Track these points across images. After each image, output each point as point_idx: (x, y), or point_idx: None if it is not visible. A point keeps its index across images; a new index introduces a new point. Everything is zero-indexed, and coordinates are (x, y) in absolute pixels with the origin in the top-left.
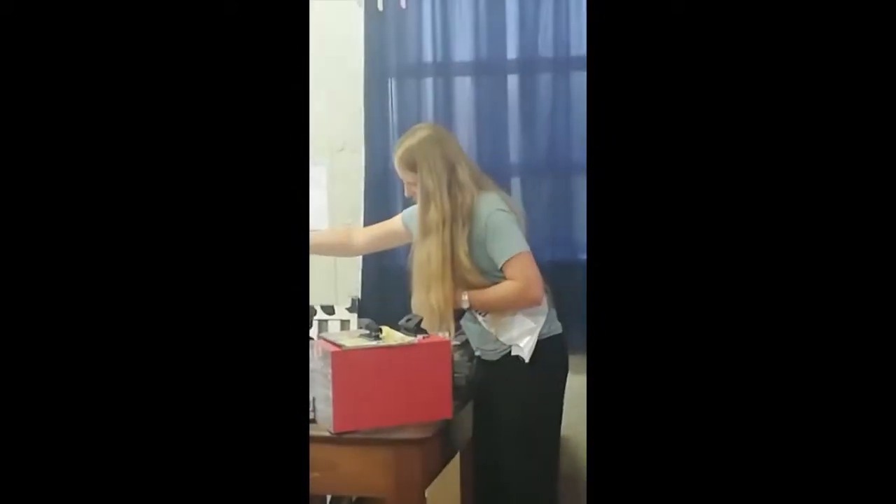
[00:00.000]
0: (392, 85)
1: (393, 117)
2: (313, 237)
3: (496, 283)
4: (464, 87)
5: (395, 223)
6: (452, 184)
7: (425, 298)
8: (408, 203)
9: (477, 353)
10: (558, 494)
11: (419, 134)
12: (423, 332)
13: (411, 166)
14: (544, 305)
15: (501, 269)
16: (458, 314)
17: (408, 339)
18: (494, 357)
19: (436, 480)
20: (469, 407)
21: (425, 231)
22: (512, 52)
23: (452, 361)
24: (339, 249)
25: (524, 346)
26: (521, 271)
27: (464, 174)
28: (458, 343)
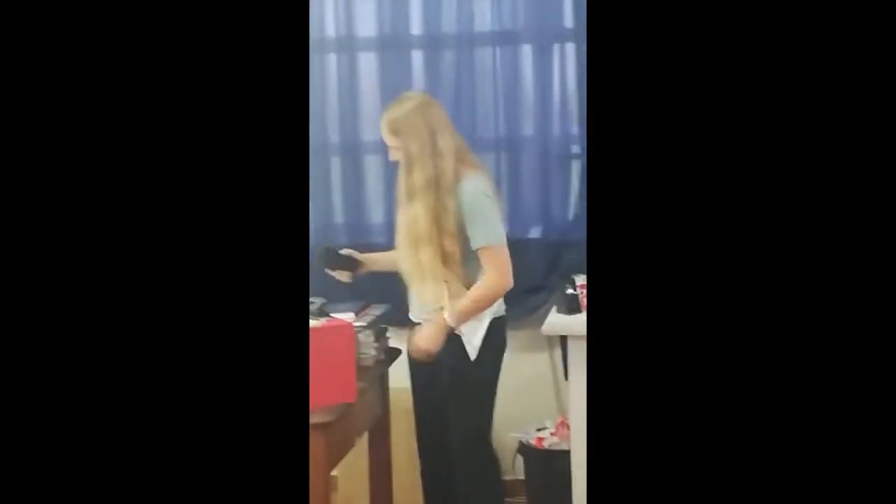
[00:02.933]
0: None
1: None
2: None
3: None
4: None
5: None
6: (434, 151)
7: (414, 256)
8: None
9: (415, 320)
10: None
11: (406, 104)
12: (326, 314)
13: (396, 133)
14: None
15: (475, 252)
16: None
17: (311, 322)
18: None
19: (345, 459)
20: (377, 387)
21: (410, 194)
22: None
23: (357, 343)
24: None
25: (472, 340)
26: (495, 261)
27: (444, 142)
28: (363, 324)
